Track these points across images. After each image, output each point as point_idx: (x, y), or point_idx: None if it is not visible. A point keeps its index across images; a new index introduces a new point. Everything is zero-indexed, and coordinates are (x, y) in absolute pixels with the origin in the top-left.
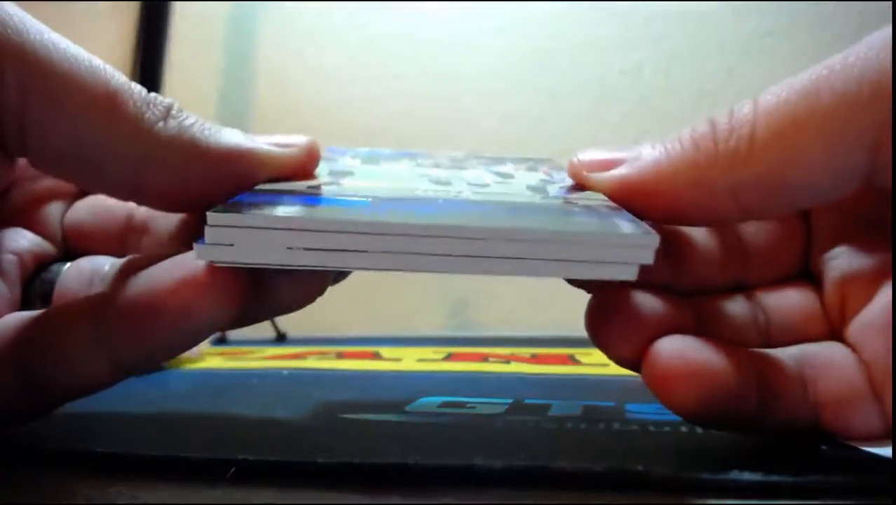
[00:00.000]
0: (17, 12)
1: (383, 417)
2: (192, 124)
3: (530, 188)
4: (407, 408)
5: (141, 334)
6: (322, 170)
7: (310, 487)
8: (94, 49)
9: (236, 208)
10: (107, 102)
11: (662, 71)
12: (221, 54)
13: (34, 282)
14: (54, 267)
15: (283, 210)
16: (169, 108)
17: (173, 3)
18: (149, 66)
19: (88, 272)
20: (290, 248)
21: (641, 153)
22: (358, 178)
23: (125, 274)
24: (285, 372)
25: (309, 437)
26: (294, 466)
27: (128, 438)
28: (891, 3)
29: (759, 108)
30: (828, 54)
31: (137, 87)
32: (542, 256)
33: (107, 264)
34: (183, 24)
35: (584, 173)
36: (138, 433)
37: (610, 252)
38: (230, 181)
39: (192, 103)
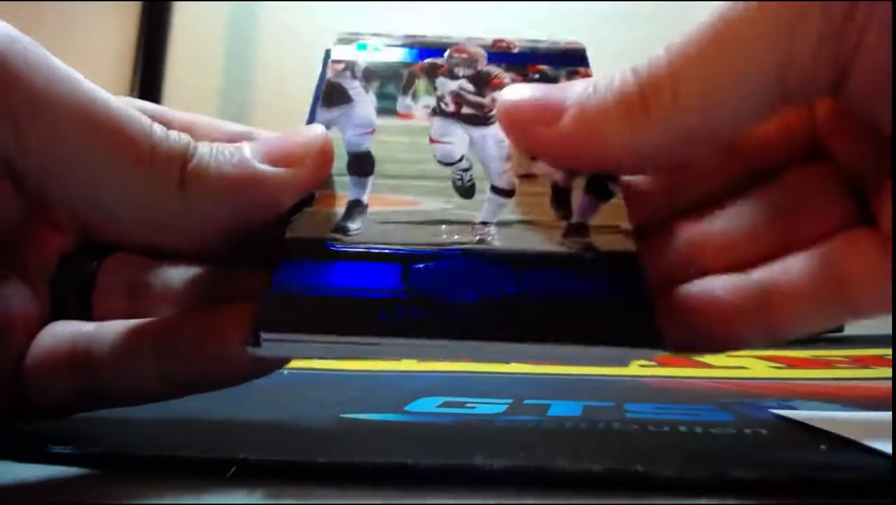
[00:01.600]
0: (25, 52)
1: (383, 416)
2: (209, 164)
3: (555, 203)
4: (406, 408)
5: (202, 372)
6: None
7: (310, 487)
8: (97, 48)
9: (275, 309)
10: (123, 157)
11: None
12: (222, 53)
13: (61, 279)
14: (82, 266)
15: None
16: (185, 151)
17: (174, 3)
18: (150, 66)
19: (124, 277)
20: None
21: (575, 100)
22: (377, 188)
23: (188, 298)
24: (285, 372)
25: (309, 437)
26: (294, 466)
27: (128, 438)
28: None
29: (674, 57)
30: None
31: (155, 132)
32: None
33: (141, 272)
34: (184, 23)
35: (525, 134)
36: (138, 433)
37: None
38: (249, 214)
39: (193, 102)
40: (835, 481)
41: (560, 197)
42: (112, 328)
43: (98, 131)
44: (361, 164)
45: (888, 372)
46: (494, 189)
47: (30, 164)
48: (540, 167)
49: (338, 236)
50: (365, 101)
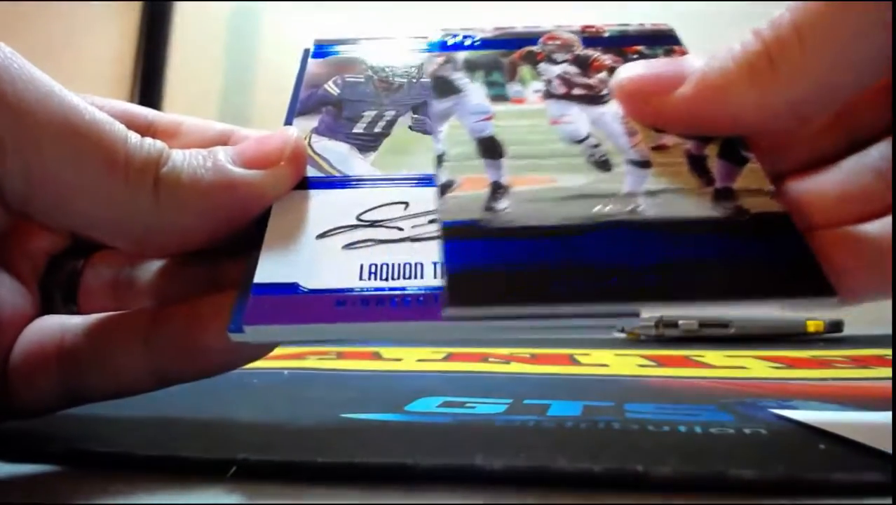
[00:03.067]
0: (5, 61)
1: (383, 416)
2: (182, 169)
3: (694, 170)
4: (407, 408)
5: (190, 362)
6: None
7: (310, 487)
8: (97, 49)
9: (455, 287)
10: (99, 165)
11: None
12: (222, 54)
13: (49, 278)
14: (69, 263)
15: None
16: (158, 157)
17: (175, 3)
18: (150, 67)
19: (108, 273)
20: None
21: (694, 70)
22: (511, 169)
23: (171, 290)
24: (285, 372)
25: (309, 437)
26: (294, 466)
27: (128, 438)
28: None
29: (798, 14)
30: None
31: (131, 140)
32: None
33: (126, 267)
34: (184, 24)
35: (645, 105)
36: (138, 433)
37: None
38: (225, 216)
39: (194, 103)
40: (834, 482)
41: (698, 164)
42: (97, 321)
43: (76, 140)
44: (489, 148)
45: (888, 372)
46: (630, 162)
47: (9, 175)
48: (670, 138)
49: (490, 216)
50: (474, 90)
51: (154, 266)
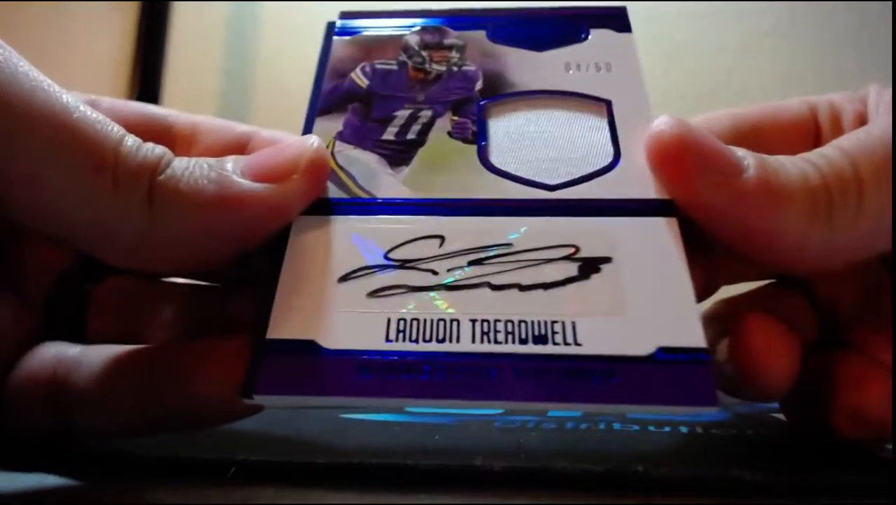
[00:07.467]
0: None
1: (383, 417)
2: (181, 178)
3: None
4: (407, 408)
5: (185, 413)
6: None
7: (310, 487)
8: (96, 49)
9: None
10: (82, 165)
11: (662, 71)
12: (221, 54)
13: (57, 299)
14: (78, 286)
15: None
16: (156, 164)
17: (173, 3)
18: (149, 66)
19: (118, 298)
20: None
21: (753, 164)
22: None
23: (179, 322)
24: None
25: (309, 437)
26: (294, 466)
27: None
28: (891, 3)
29: (859, 164)
30: (828, 54)
31: (126, 143)
32: None
33: (137, 294)
34: (183, 23)
35: (687, 176)
36: None
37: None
38: (228, 233)
39: (192, 103)
40: (835, 482)
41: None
42: (95, 356)
43: (58, 137)
44: None
45: None
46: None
47: None
48: None
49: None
50: None
51: (166, 295)
